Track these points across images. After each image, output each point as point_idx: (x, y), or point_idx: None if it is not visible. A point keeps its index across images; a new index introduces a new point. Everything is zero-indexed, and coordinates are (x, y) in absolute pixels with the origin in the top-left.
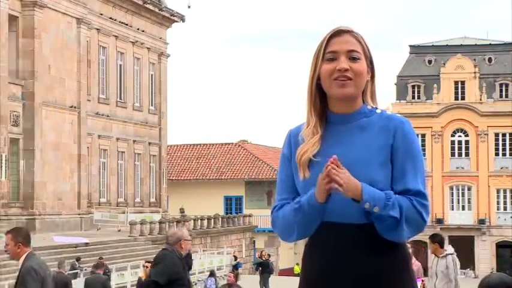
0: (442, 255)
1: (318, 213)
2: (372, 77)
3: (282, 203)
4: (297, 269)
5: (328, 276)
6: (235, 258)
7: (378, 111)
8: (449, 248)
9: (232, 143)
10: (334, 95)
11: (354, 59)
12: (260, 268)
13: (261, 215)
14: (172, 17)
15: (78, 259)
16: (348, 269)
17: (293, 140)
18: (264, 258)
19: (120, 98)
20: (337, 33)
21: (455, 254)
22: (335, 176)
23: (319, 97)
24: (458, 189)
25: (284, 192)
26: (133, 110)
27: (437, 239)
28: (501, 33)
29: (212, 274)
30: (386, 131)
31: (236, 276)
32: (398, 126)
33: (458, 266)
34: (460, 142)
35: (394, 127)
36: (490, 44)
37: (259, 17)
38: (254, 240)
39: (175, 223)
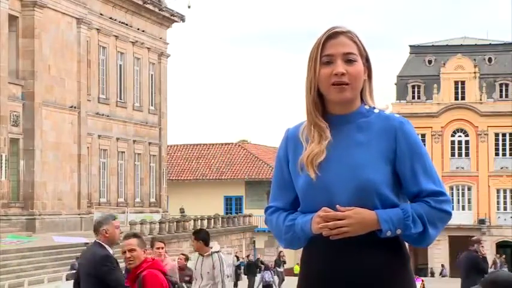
0: (207, 253)
1: (309, 237)
2: (369, 75)
3: (276, 206)
4: (297, 269)
5: (327, 276)
6: (238, 258)
7: (376, 110)
8: (214, 246)
9: (232, 143)
10: (333, 99)
11: (350, 61)
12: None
13: (261, 215)
14: (172, 17)
15: (77, 258)
16: (346, 270)
17: (290, 141)
18: (282, 260)
19: (120, 98)
20: (332, 35)
21: (221, 251)
22: (337, 231)
23: (320, 99)
24: (458, 189)
25: (279, 193)
26: (133, 110)
27: (202, 236)
28: (501, 33)
29: (267, 268)
30: (387, 133)
31: (238, 276)
32: (398, 127)
33: (225, 265)
34: (460, 142)
35: (394, 129)
36: (490, 44)
37: (259, 17)
38: (254, 240)
39: (175, 223)
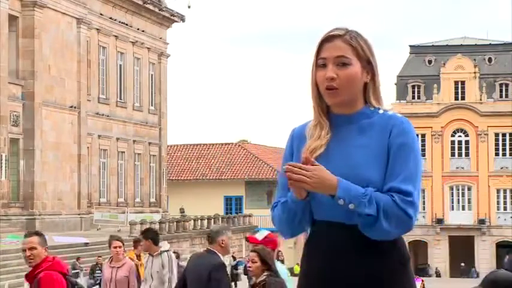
0: (156, 253)
1: (302, 208)
2: (373, 77)
3: (279, 201)
4: (297, 269)
5: (327, 276)
6: (234, 258)
7: (380, 111)
8: (164, 245)
9: (232, 143)
10: (327, 102)
11: (343, 65)
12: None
13: (261, 215)
14: (172, 17)
15: (78, 259)
16: (346, 269)
17: (295, 139)
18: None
19: (120, 98)
20: (328, 38)
21: (171, 250)
22: (298, 177)
23: (323, 99)
24: (458, 189)
25: (284, 190)
26: (133, 110)
27: (150, 235)
28: (501, 33)
29: None
30: (385, 131)
31: (236, 277)
32: (395, 124)
33: (175, 264)
34: (460, 142)
35: (392, 126)
36: (490, 44)
37: (259, 17)
38: None
39: (175, 223)
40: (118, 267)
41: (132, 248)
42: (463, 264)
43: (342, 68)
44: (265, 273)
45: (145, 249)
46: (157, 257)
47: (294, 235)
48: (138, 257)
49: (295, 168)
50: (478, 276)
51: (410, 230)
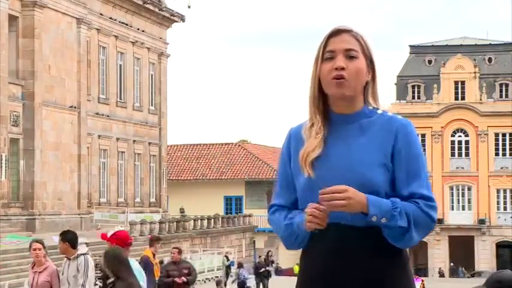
0: (73, 256)
1: (307, 233)
2: (373, 77)
3: (279, 204)
4: (297, 269)
5: (324, 277)
6: (227, 258)
7: (379, 111)
8: (82, 248)
9: (232, 143)
10: (332, 94)
11: (351, 58)
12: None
13: (261, 215)
14: (172, 17)
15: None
16: (343, 271)
17: (293, 140)
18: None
19: (120, 98)
20: (336, 32)
21: (89, 254)
22: (339, 202)
23: (322, 98)
24: (458, 189)
25: (281, 192)
26: (133, 110)
27: (68, 237)
28: (501, 33)
29: (241, 265)
30: (388, 133)
31: (227, 276)
32: (400, 127)
33: (91, 268)
34: (460, 142)
35: (396, 129)
36: (490, 44)
37: (259, 17)
38: (254, 241)
39: (175, 223)
40: (40, 272)
41: (148, 246)
42: (452, 263)
43: (350, 60)
44: (112, 277)
45: (61, 252)
46: (74, 260)
47: (292, 249)
48: (154, 255)
49: (327, 195)
50: (464, 276)
51: (431, 231)
